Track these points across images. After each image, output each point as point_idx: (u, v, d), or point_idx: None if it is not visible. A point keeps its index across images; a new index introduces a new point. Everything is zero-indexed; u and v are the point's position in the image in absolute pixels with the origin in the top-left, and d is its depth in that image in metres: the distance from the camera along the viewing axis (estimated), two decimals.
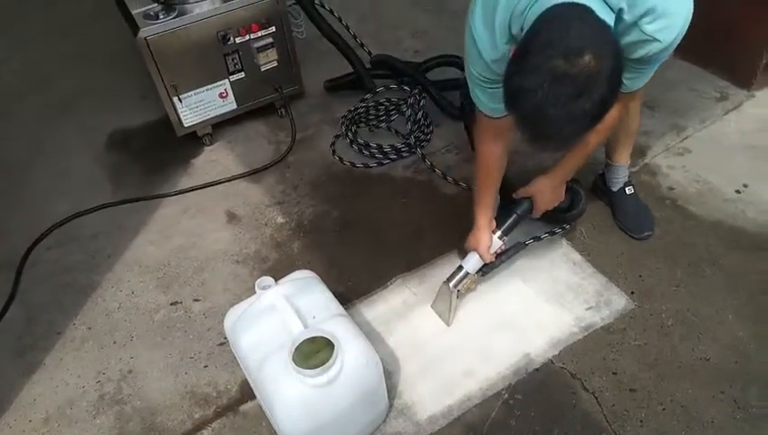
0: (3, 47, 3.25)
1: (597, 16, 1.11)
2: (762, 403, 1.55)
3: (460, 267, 1.76)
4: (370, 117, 2.54)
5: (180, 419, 1.66)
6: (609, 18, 1.16)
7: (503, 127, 1.51)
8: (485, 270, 1.82)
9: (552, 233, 1.97)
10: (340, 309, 1.53)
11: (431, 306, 1.85)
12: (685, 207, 2.05)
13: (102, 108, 2.80)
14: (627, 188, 1.99)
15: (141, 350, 1.83)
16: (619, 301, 1.81)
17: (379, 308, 1.87)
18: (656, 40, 1.24)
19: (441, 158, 2.36)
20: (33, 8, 3.54)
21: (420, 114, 2.48)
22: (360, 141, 2.40)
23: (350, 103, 2.60)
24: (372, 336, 1.75)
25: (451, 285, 1.75)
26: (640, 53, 1.29)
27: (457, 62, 2.61)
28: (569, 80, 1.05)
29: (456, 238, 1.99)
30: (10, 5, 3.55)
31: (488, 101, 1.46)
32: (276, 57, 2.42)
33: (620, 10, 1.19)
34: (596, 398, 1.60)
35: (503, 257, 1.84)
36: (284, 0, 2.36)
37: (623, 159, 1.96)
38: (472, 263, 1.76)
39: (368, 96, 2.59)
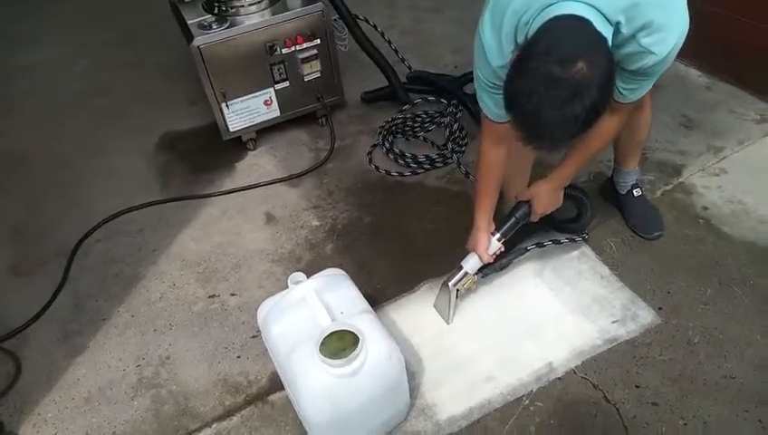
0: (70, 52, 3.48)
1: (593, 28, 1.17)
2: None
3: (460, 267, 1.79)
4: (407, 128, 2.62)
5: (212, 404, 1.74)
6: (607, 31, 1.21)
7: (505, 132, 1.53)
8: (486, 272, 1.85)
9: (557, 242, 2.00)
10: (367, 306, 1.59)
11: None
12: (718, 227, 2.04)
13: (154, 112, 2.96)
14: (635, 191, 2.03)
15: (179, 338, 1.93)
16: (645, 316, 1.81)
17: (406, 311, 1.92)
18: (651, 53, 1.29)
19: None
20: (98, 20, 3.78)
21: (456, 126, 2.53)
22: (397, 151, 2.47)
23: (389, 115, 2.68)
24: (397, 337, 1.78)
25: (450, 283, 1.78)
26: (638, 64, 1.33)
27: None
28: (563, 84, 1.11)
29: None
30: (79, 18, 3.80)
31: (493, 106, 1.51)
32: (320, 68, 2.53)
33: (618, 23, 1.23)
34: (617, 409, 1.61)
35: (503, 261, 1.87)
36: (329, 14, 2.47)
37: (631, 165, 2.02)
38: (471, 263, 1.78)
39: (405, 107, 2.67)
